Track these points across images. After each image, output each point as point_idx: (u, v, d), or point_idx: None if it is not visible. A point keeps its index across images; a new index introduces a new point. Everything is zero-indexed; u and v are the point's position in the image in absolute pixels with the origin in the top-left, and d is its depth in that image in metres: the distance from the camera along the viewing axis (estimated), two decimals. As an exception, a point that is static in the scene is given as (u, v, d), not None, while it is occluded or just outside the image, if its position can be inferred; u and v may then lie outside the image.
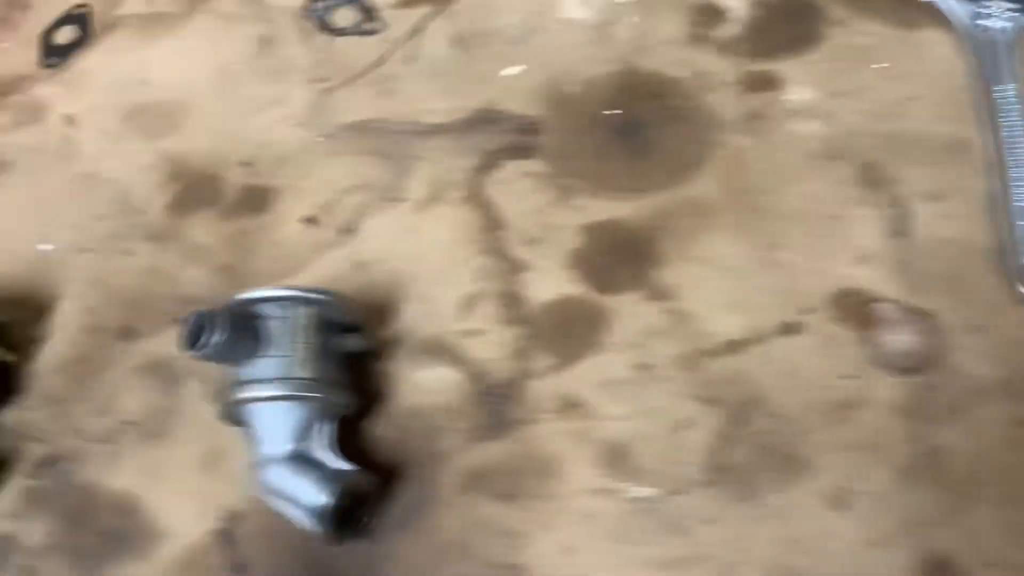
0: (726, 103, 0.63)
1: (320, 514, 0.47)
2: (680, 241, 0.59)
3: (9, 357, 0.59)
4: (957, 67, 0.60)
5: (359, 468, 0.49)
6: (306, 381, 0.49)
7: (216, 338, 0.47)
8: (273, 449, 0.49)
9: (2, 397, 0.59)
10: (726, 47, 0.66)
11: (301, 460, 0.49)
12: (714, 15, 0.67)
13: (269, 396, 0.49)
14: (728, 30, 0.67)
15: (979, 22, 0.60)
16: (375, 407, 0.55)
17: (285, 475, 0.48)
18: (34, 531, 0.54)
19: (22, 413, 0.59)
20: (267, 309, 0.51)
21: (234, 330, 0.48)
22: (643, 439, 0.52)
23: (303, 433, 0.50)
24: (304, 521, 0.48)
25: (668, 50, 0.66)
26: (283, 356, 0.50)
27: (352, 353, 0.54)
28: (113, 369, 0.59)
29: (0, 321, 0.58)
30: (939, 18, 0.62)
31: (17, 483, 0.56)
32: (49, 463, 0.57)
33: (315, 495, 0.47)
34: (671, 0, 0.69)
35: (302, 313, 0.51)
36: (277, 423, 0.49)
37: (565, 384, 0.55)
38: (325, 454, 0.50)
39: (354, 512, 0.49)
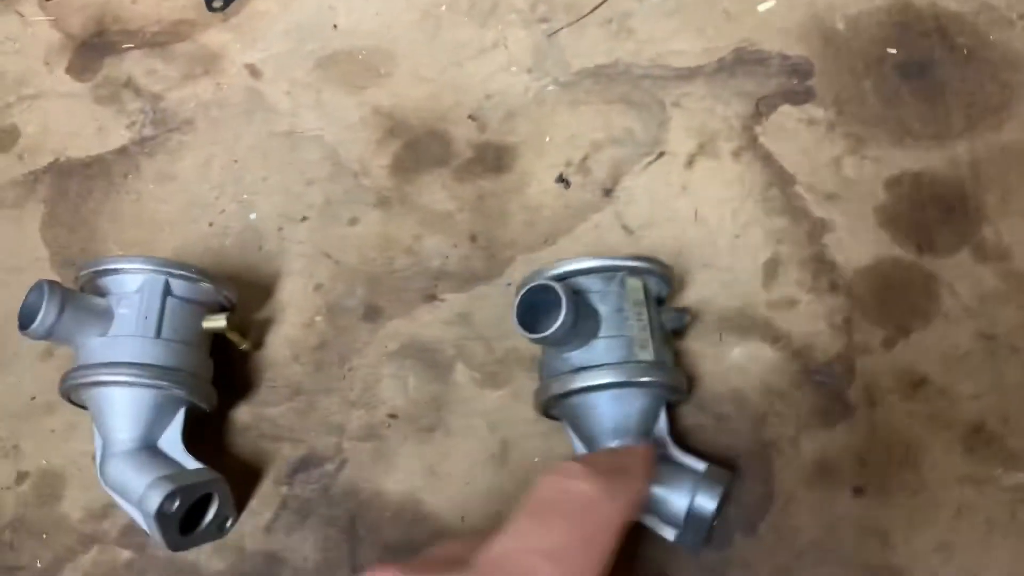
0: (1021, 38, 0.56)
1: (693, 520, 0.40)
2: (1000, 193, 0.52)
3: (244, 344, 0.50)
4: None
5: (713, 464, 0.42)
6: (647, 364, 0.42)
7: (564, 318, 0.39)
8: (612, 443, 0.42)
9: (235, 393, 0.51)
10: (1007, -26, 0.59)
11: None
12: (987, -61, 0.60)
13: (611, 383, 0.42)
14: (1006, -47, 0.59)
15: None
16: (682, 391, 0.48)
17: (637, 475, 0.41)
18: (303, 548, 0.47)
19: (261, 409, 0.51)
20: (587, 282, 0.44)
21: (576, 309, 0.40)
22: (1009, 418, 0.46)
23: (646, 425, 0.43)
24: (662, 528, 0.41)
25: (942, -20, 0.59)
26: (618, 336, 0.43)
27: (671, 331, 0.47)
28: (362, 355, 0.51)
29: (229, 304, 0.50)
30: None
31: (272, 491, 0.48)
32: (306, 466, 0.49)
33: (684, 498, 0.40)
34: (935, -76, 0.61)
35: (632, 286, 0.43)
36: (617, 414, 0.42)
37: (904, 359, 0.48)
38: (672, 449, 0.43)
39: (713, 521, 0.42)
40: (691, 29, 0.60)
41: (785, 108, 0.56)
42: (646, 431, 0.43)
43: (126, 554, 0.47)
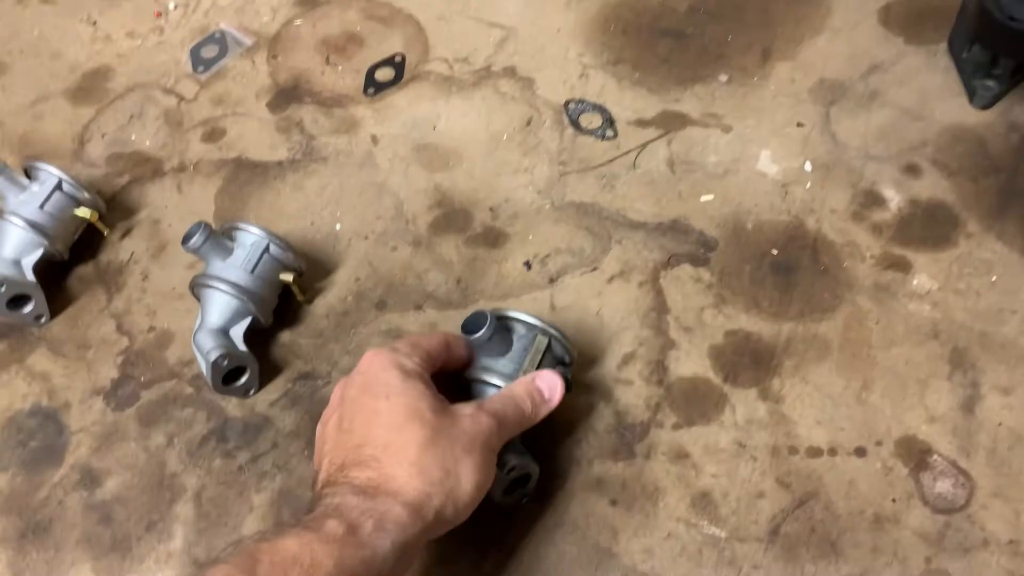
0: (863, 272, 0.81)
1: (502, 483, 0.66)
2: (796, 362, 0.76)
3: (301, 297, 0.82)
4: (1051, 298, 0.76)
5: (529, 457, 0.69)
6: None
7: (485, 333, 0.67)
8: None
9: (285, 323, 0.82)
10: (876, 228, 0.84)
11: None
12: (875, 201, 0.85)
13: (495, 384, 0.69)
14: (882, 215, 0.84)
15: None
16: (539, 411, 0.75)
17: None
18: (286, 420, 0.77)
19: (295, 337, 0.82)
20: (517, 326, 0.71)
21: (496, 332, 0.69)
22: (726, 495, 0.70)
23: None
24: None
25: (831, 217, 0.85)
26: (515, 362, 0.69)
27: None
28: (365, 327, 0.82)
29: (299, 270, 0.82)
30: (1049, 257, 0.78)
31: (280, 385, 0.79)
32: (305, 377, 0.79)
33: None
34: (844, 180, 0.87)
35: (539, 341, 0.70)
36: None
37: (680, 439, 0.73)
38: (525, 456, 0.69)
39: (518, 486, 0.69)
40: (652, 198, 0.88)
41: (686, 266, 0.83)
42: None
43: (189, 390, 0.79)
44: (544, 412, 0.66)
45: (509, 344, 0.70)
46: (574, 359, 0.74)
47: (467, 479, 0.58)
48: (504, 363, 0.69)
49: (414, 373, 0.61)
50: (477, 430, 0.60)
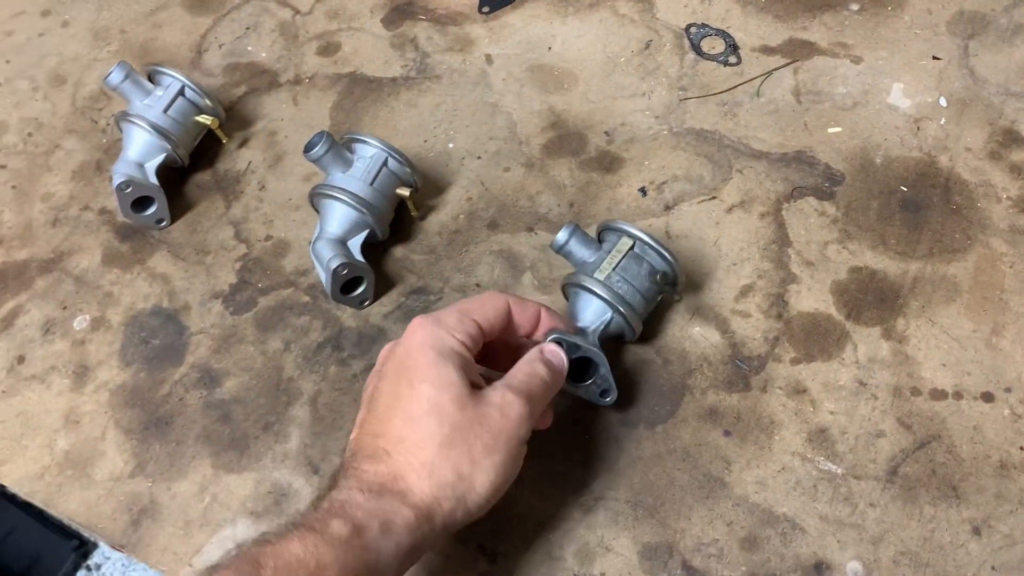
0: (998, 213, 0.78)
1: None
2: (923, 303, 0.74)
3: (415, 213, 0.82)
4: None
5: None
6: (592, 279, 0.68)
7: (559, 238, 0.69)
8: (578, 324, 0.69)
9: (399, 238, 0.82)
10: (1016, 168, 0.80)
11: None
12: (1014, 140, 0.81)
13: (584, 287, 0.68)
14: (1021, 155, 0.80)
15: None
16: (650, 337, 0.75)
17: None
18: (399, 333, 0.76)
19: (408, 253, 0.82)
20: (606, 235, 0.71)
21: (571, 238, 0.69)
22: (844, 433, 0.69)
23: (589, 318, 0.68)
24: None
25: (966, 155, 0.81)
26: (596, 263, 0.69)
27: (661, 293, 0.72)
28: (476, 246, 0.81)
29: (415, 185, 0.81)
30: None
31: (394, 298, 0.80)
32: (418, 292, 0.80)
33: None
34: (982, 117, 0.83)
35: (623, 242, 0.69)
36: (576, 305, 0.69)
37: (798, 374, 0.72)
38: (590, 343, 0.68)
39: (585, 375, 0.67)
40: (776, 128, 0.85)
41: (811, 199, 0.81)
42: (590, 323, 0.68)
43: (305, 298, 0.80)
44: (559, 379, 0.62)
45: (596, 249, 0.71)
46: (679, 275, 0.71)
47: (482, 483, 0.54)
48: (589, 267, 0.69)
49: (450, 353, 0.57)
50: (504, 425, 0.56)
